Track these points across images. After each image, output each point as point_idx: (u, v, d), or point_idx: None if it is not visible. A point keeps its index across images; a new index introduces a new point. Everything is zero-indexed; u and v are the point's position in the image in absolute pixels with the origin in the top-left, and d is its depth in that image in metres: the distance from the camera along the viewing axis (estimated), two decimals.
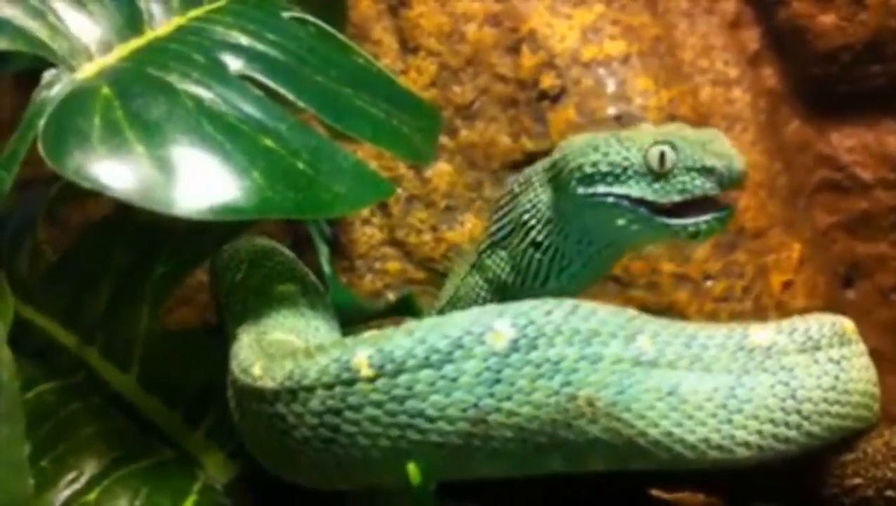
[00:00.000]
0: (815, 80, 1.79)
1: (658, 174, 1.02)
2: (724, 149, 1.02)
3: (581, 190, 1.06)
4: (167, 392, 1.19)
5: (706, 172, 1.01)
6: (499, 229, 1.15)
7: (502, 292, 1.15)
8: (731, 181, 1.01)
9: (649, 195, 1.03)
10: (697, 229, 1.03)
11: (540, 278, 1.11)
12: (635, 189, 1.04)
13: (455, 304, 1.20)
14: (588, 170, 1.05)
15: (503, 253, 1.15)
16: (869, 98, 1.78)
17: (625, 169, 1.04)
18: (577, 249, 1.10)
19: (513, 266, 1.13)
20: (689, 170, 1.02)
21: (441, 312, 1.21)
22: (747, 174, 1.01)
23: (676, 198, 1.02)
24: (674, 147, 1.02)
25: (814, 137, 1.81)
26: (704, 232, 1.03)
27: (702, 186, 1.02)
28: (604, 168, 1.04)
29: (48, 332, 1.23)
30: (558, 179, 1.09)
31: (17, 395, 0.82)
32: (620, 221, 1.06)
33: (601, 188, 1.05)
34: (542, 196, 1.11)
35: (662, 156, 1.02)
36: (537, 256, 1.11)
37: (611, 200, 1.05)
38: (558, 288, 1.11)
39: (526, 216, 1.12)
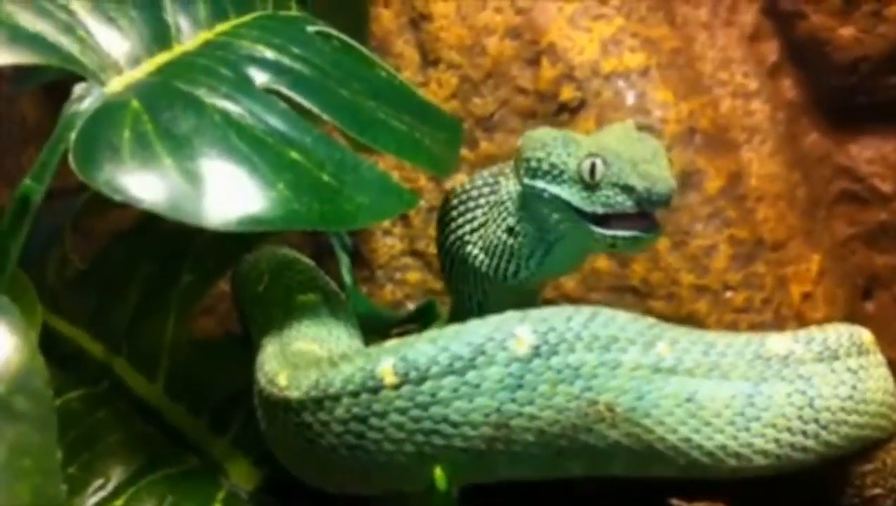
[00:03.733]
0: (835, 92, 1.79)
1: (588, 184, 1.06)
2: (651, 171, 1.04)
3: (527, 181, 1.11)
4: (193, 400, 1.21)
5: (628, 190, 1.04)
6: (471, 220, 1.19)
7: (482, 284, 1.18)
8: (651, 203, 1.04)
9: (577, 201, 1.07)
10: (615, 242, 1.06)
11: (512, 265, 1.14)
12: (566, 193, 1.08)
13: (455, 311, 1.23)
14: (533, 164, 1.10)
15: (477, 241, 1.17)
16: (888, 110, 1.78)
17: (561, 172, 1.08)
18: (538, 236, 1.13)
19: (488, 249, 1.16)
20: (613, 185, 1.05)
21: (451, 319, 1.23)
22: (670, 197, 1.04)
23: (599, 210, 1.06)
24: (605, 161, 1.05)
25: (833, 148, 1.81)
26: (622, 246, 1.07)
27: (622, 203, 1.05)
28: (545, 166, 1.09)
29: (75, 340, 1.25)
30: (515, 166, 1.14)
31: (51, 402, 0.84)
32: (555, 217, 1.10)
33: (541, 184, 1.09)
34: (515, 184, 1.15)
35: (593, 168, 1.06)
36: (510, 241, 1.14)
37: (547, 196, 1.09)
38: (528, 278, 1.15)
39: (507, 201, 1.15)
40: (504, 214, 1.15)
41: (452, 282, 1.22)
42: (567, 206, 1.08)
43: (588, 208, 1.06)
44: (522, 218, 1.13)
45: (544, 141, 1.10)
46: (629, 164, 1.05)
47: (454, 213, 1.20)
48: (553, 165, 1.08)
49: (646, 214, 1.05)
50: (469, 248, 1.18)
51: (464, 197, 1.20)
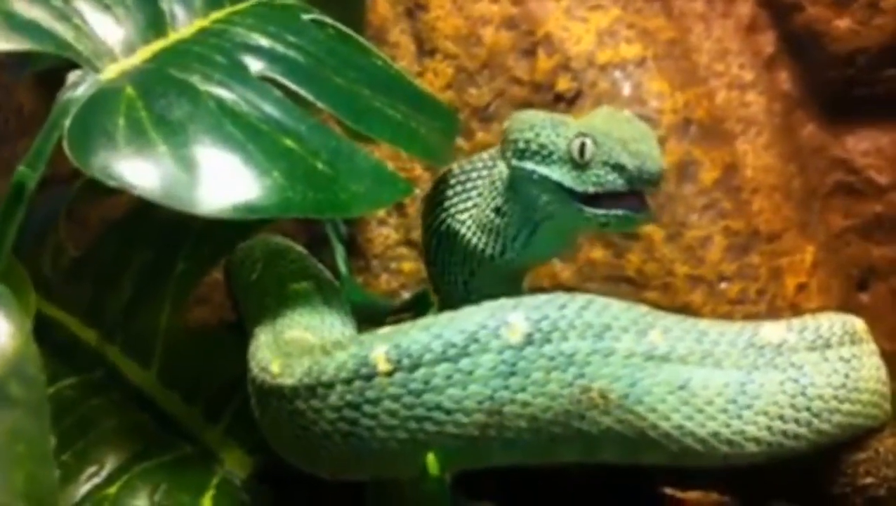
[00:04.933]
0: (831, 84, 1.79)
1: (577, 164, 1.06)
2: (641, 149, 1.04)
3: (515, 163, 1.10)
4: (187, 388, 1.21)
5: (619, 168, 1.04)
6: (466, 199, 1.19)
7: (469, 264, 1.18)
8: (642, 181, 1.04)
9: (567, 181, 1.07)
10: (607, 221, 1.06)
11: (499, 245, 1.15)
12: (557, 173, 1.07)
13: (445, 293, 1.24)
14: (521, 146, 1.10)
15: (467, 220, 1.18)
16: (884, 102, 1.78)
17: (551, 153, 1.08)
18: (524, 217, 1.13)
19: (477, 227, 1.17)
20: (604, 164, 1.05)
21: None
22: (661, 176, 1.04)
23: (590, 189, 1.06)
24: (594, 140, 1.06)
25: (829, 140, 1.81)
26: (613, 225, 1.06)
27: (613, 181, 1.05)
28: (534, 147, 1.09)
29: (69, 328, 1.25)
30: (501, 147, 1.14)
31: (44, 389, 0.84)
32: (544, 198, 1.09)
33: (530, 165, 1.09)
34: (503, 166, 1.15)
35: (583, 147, 1.06)
36: (497, 220, 1.15)
37: (536, 177, 1.09)
38: (514, 258, 1.15)
39: (497, 181, 1.15)
40: (494, 194, 1.15)
41: (437, 264, 1.22)
42: (557, 186, 1.08)
43: (579, 188, 1.06)
44: (510, 199, 1.14)
45: (532, 122, 1.10)
46: (619, 143, 1.05)
47: (450, 192, 1.20)
48: (542, 146, 1.08)
49: (636, 193, 1.05)
50: (458, 226, 1.18)
51: (462, 178, 1.20)
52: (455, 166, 1.22)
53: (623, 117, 1.10)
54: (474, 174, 1.20)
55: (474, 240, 1.17)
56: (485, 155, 1.21)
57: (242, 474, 1.15)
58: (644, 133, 1.07)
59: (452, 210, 1.20)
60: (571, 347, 0.91)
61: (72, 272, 1.30)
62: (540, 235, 1.14)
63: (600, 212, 1.06)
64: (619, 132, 1.06)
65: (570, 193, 1.07)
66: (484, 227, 1.16)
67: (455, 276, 1.20)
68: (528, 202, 1.12)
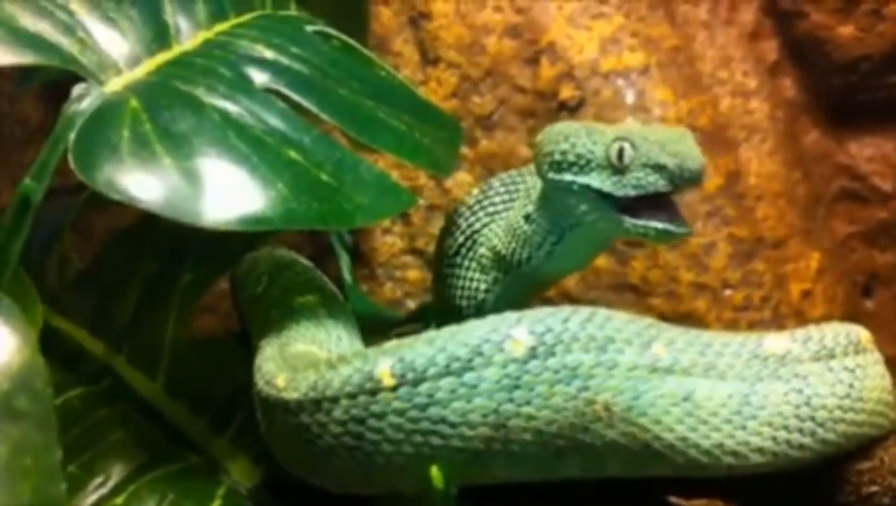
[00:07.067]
0: (834, 91, 1.79)
1: (616, 169, 1.07)
2: (681, 148, 1.05)
3: (551, 175, 1.11)
4: (193, 399, 1.21)
5: (659, 169, 1.05)
6: (499, 203, 1.22)
7: (498, 265, 1.19)
8: (683, 180, 1.04)
9: (608, 187, 1.07)
10: (646, 232, 1.07)
11: (525, 250, 1.16)
12: (596, 180, 1.08)
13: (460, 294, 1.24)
14: (557, 157, 1.10)
15: (501, 222, 1.20)
16: (888, 108, 1.79)
17: (588, 161, 1.08)
18: (551, 227, 1.14)
19: (506, 232, 1.18)
20: (644, 166, 1.05)
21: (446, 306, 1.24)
22: (702, 174, 1.05)
23: (632, 192, 1.06)
24: (633, 144, 1.06)
25: (832, 146, 1.82)
26: (652, 237, 1.07)
27: (654, 182, 1.05)
28: (571, 158, 1.09)
29: (76, 339, 1.26)
30: (535, 162, 1.15)
31: (51, 401, 0.84)
32: (583, 207, 1.10)
33: (568, 176, 1.10)
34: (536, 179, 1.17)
35: (621, 151, 1.06)
36: (525, 226, 1.16)
37: (575, 187, 1.09)
38: (538, 266, 1.16)
39: (532, 190, 1.17)
40: (525, 202, 1.17)
41: (459, 270, 1.22)
42: (597, 195, 1.08)
43: (619, 193, 1.06)
44: (540, 206, 1.15)
45: (566, 133, 1.10)
46: (657, 144, 1.05)
47: (496, 199, 1.22)
48: (579, 156, 1.09)
49: (671, 203, 1.06)
50: (487, 232, 1.20)
51: (500, 189, 1.22)
52: (504, 176, 1.24)
53: (656, 125, 1.10)
54: (512, 186, 1.22)
55: (500, 245, 1.18)
56: (523, 169, 1.23)
57: (248, 484, 1.16)
58: (681, 133, 1.08)
59: (486, 218, 1.21)
60: (575, 360, 0.91)
61: (78, 283, 1.30)
62: (565, 244, 1.14)
63: (640, 223, 1.07)
64: (656, 135, 1.07)
65: (610, 199, 1.07)
66: (512, 233, 1.17)
67: (477, 283, 1.20)
68: (564, 211, 1.12)
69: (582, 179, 1.08)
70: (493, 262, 1.19)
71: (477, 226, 1.22)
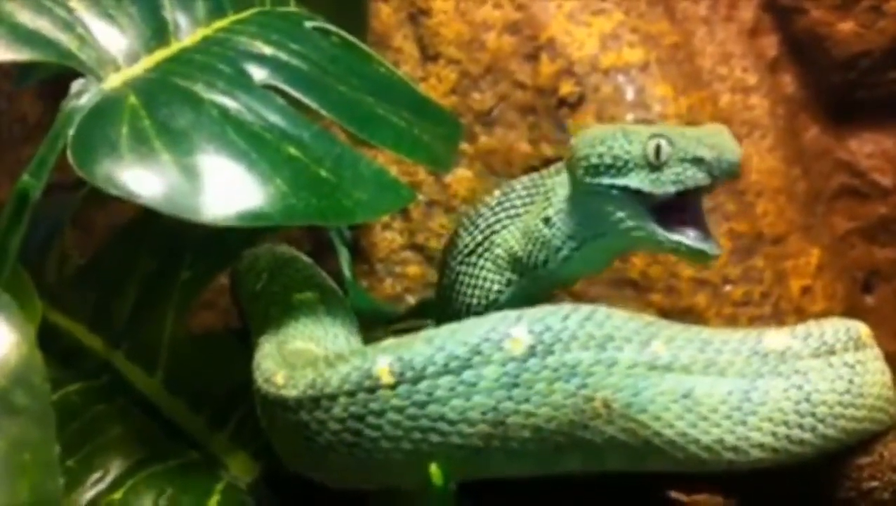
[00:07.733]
0: (834, 87, 1.79)
1: (654, 166, 1.06)
2: (717, 141, 1.05)
3: (588, 179, 1.10)
4: (192, 395, 1.21)
5: (697, 162, 1.04)
6: (519, 205, 1.20)
7: (513, 266, 1.18)
8: (722, 171, 1.04)
9: (646, 186, 1.07)
10: (678, 248, 1.06)
11: (543, 253, 1.15)
12: (634, 180, 1.07)
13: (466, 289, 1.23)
14: (594, 161, 1.09)
15: (519, 224, 1.19)
16: (888, 104, 1.79)
17: (626, 162, 1.08)
18: (573, 232, 1.13)
19: (524, 235, 1.17)
20: (682, 161, 1.05)
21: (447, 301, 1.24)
22: (739, 166, 1.05)
23: (671, 189, 1.06)
24: (669, 140, 1.06)
25: (832, 143, 1.82)
26: (684, 253, 1.07)
27: (693, 176, 1.05)
28: (608, 160, 1.08)
29: (75, 335, 1.26)
30: (569, 166, 1.14)
31: (49, 397, 0.84)
32: (620, 214, 1.09)
33: (606, 179, 1.09)
34: (560, 181, 1.16)
35: (658, 148, 1.06)
36: (544, 230, 1.15)
37: (614, 192, 1.08)
38: (555, 270, 1.15)
39: (551, 193, 1.16)
40: (545, 205, 1.16)
41: (472, 269, 1.21)
42: (634, 199, 1.07)
43: (658, 190, 1.06)
44: (562, 211, 1.14)
45: (601, 137, 1.09)
46: (694, 139, 1.05)
47: (517, 201, 1.20)
48: (616, 157, 1.08)
49: (700, 214, 1.06)
50: (505, 232, 1.19)
51: (522, 192, 1.21)
52: (526, 179, 1.22)
53: (710, 126, 1.11)
54: (533, 190, 1.20)
55: (517, 247, 1.17)
56: (543, 172, 1.21)
57: (247, 479, 1.16)
58: (717, 128, 1.08)
59: (506, 219, 1.20)
60: (574, 358, 0.91)
61: (77, 279, 1.30)
62: (584, 252, 1.13)
63: (674, 238, 1.06)
64: (692, 130, 1.07)
65: (648, 201, 1.07)
66: (531, 234, 1.16)
67: (490, 283, 1.19)
68: (596, 218, 1.11)
69: (620, 182, 1.07)
70: (509, 263, 1.18)
71: (497, 227, 1.20)
